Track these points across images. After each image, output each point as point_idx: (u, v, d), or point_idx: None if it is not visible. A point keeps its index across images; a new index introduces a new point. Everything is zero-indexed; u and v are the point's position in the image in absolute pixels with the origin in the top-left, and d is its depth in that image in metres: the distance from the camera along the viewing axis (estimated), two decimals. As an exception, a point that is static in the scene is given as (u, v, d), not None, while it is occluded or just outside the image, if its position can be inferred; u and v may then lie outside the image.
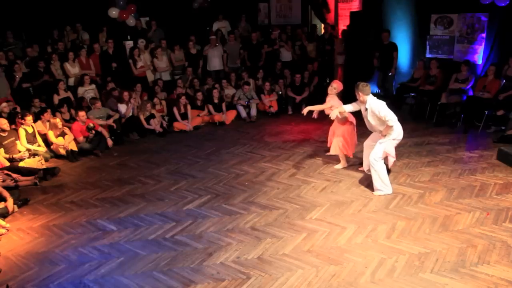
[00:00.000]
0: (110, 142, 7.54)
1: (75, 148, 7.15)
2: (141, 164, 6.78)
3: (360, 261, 4.01)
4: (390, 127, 5.08)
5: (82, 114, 7.35)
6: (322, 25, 12.25)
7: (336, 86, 5.86)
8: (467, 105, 7.88)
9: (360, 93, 5.17)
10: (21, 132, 6.75)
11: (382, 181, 5.30)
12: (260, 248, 4.29)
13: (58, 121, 7.16)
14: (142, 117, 8.25)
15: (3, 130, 6.51)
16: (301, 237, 4.47)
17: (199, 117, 8.78)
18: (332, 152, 6.11)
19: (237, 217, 4.95)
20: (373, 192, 5.39)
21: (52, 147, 7.17)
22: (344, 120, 5.88)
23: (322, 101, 6.09)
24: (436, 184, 5.60)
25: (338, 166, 6.21)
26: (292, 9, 12.47)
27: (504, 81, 7.65)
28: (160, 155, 7.16)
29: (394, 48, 9.33)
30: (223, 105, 8.97)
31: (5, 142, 6.52)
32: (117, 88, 8.63)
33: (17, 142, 6.67)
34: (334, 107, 5.71)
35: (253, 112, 9.10)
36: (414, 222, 4.68)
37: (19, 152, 6.58)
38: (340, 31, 10.65)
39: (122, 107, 8.23)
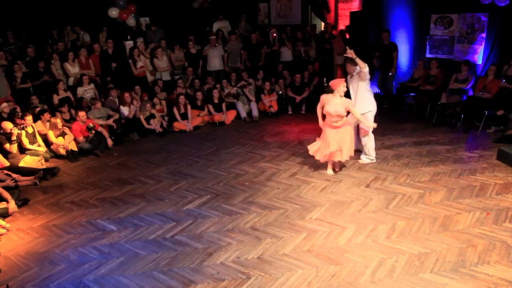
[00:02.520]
0: (110, 142, 7.54)
1: (75, 148, 7.16)
2: (141, 164, 6.78)
3: (360, 261, 4.01)
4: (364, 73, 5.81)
5: (82, 114, 7.36)
6: (322, 23, 12.26)
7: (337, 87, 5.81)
8: (467, 105, 7.88)
9: (348, 64, 5.94)
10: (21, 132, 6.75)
11: (372, 149, 6.23)
12: (260, 248, 4.29)
13: (58, 121, 7.16)
14: (142, 117, 8.25)
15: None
16: (301, 237, 4.47)
17: (199, 117, 8.78)
18: (344, 158, 5.94)
19: (237, 217, 4.96)
20: (361, 160, 6.31)
21: (52, 147, 7.17)
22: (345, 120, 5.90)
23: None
24: (436, 184, 5.60)
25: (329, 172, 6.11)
26: (292, 9, 12.47)
27: (504, 81, 7.65)
28: (160, 155, 7.15)
29: (394, 48, 9.32)
30: (223, 105, 8.97)
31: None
32: (115, 88, 8.62)
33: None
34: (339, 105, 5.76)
35: (255, 112, 9.08)
36: (414, 222, 4.68)
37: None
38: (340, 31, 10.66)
39: (125, 110, 8.20)
